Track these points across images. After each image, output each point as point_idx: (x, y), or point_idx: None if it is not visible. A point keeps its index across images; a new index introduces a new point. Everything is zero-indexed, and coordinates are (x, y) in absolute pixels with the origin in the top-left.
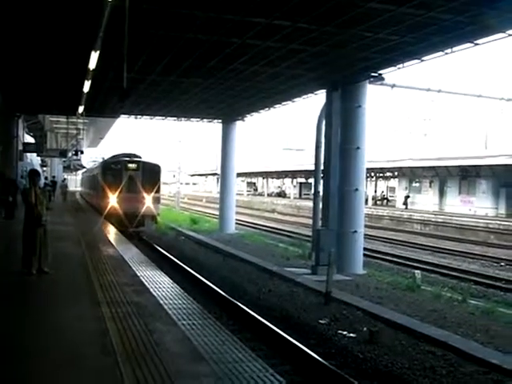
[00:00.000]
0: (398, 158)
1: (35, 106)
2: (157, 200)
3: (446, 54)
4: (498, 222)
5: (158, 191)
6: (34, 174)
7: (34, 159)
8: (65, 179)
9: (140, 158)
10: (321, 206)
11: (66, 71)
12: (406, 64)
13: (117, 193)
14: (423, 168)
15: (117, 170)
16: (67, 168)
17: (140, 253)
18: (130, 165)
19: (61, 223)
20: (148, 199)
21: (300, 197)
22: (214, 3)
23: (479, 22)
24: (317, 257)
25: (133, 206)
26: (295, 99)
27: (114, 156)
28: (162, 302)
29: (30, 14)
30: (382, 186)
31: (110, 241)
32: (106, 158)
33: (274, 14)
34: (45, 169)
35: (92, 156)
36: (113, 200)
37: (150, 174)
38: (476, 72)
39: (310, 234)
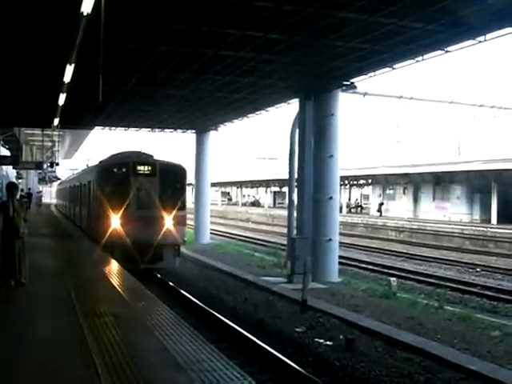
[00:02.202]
0: (371, 166)
1: (10, 118)
2: (181, 221)
3: (418, 61)
4: (473, 228)
5: (182, 207)
6: (11, 187)
7: (9, 172)
8: (40, 191)
9: (152, 156)
10: (295, 214)
11: (42, 84)
12: (377, 72)
13: (121, 211)
14: (397, 175)
15: (121, 175)
16: (42, 180)
17: (116, 263)
18: (141, 167)
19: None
20: (168, 220)
21: (274, 206)
22: (187, 16)
23: (449, 30)
24: (292, 265)
25: (146, 231)
26: (268, 108)
27: (114, 155)
28: (138, 311)
29: (5, 27)
30: (356, 193)
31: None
32: (103, 159)
33: (246, 25)
34: (20, 181)
35: (69, 166)
36: (115, 221)
37: (171, 181)
38: (448, 79)
39: (285, 242)
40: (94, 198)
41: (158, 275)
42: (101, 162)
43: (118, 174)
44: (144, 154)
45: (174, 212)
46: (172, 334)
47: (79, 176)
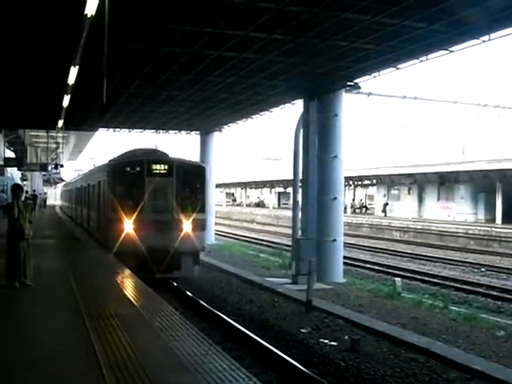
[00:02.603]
0: (375, 166)
1: (15, 120)
2: (200, 225)
3: (422, 61)
4: (478, 228)
5: (202, 210)
6: (17, 189)
7: (14, 173)
8: (45, 193)
9: (168, 155)
10: (300, 215)
11: (46, 86)
12: (381, 72)
13: (135, 214)
14: (401, 175)
15: (134, 175)
16: (47, 182)
17: (121, 265)
18: (157, 166)
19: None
20: (187, 224)
21: (279, 206)
22: (191, 17)
23: (453, 30)
24: (297, 266)
25: (162, 237)
26: (272, 109)
27: (127, 153)
28: (144, 313)
29: (9, 30)
30: (361, 193)
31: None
32: (114, 157)
33: (250, 26)
34: (25, 183)
35: (74, 168)
36: (128, 226)
37: (190, 181)
38: (452, 78)
39: (290, 243)
40: (104, 199)
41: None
42: (112, 161)
43: (131, 174)
44: (159, 151)
45: (193, 215)
46: (178, 335)
47: (87, 176)
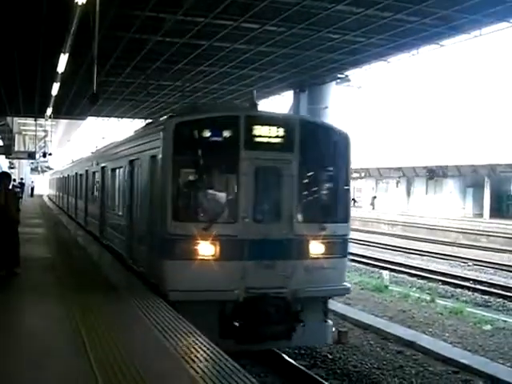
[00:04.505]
0: (364, 159)
1: (3, 107)
2: (340, 245)
3: (413, 55)
4: (466, 222)
5: (345, 216)
6: (4, 177)
7: (1, 161)
8: (32, 181)
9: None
10: None
11: (35, 73)
12: (372, 65)
13: (218, 226)
14: (390, 168)
15: (219, 145)
16: (35, 170)
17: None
18: (264, 129)
19: None
20: (316, 244)
21: None
22: (182, 6)
23: (445, 24)
24: None
25: (271, 270)
26: (262, 100)
27: (195, 107)
28: (131, 301)
29: None
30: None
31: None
32: (172, 114)
33: (242, 16)
34: (13, 171)
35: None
36: (204, 248)
37: (326, 162)
38: (442, 74)
39: None
40: (149, 194)
41: None
42: (175, 118)
43: (212, 143)
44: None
45: (330, 227)
46: (170, 329)
47: (100, 155)
